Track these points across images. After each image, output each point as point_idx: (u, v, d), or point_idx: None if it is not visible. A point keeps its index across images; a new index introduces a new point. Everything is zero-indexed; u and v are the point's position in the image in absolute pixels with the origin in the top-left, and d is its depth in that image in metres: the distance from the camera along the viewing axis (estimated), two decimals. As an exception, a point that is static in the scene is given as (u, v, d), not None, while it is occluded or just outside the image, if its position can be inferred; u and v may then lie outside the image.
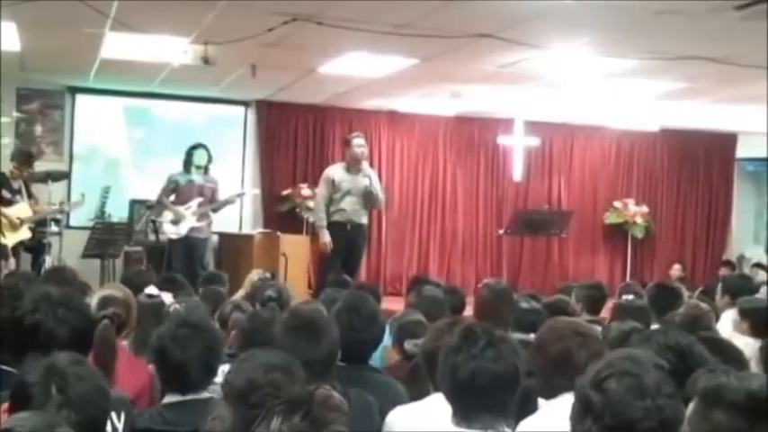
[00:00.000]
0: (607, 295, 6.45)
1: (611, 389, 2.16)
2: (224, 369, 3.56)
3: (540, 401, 3.30)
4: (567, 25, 7.27)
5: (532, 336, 3.99)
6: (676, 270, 13.54)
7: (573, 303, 6.02)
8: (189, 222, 9.50)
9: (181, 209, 9.51)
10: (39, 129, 11.82)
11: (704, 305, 5.54)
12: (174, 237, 9.54)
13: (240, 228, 12.25)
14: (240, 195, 10.79)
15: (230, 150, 12.29)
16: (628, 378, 2.17)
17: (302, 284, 10.29)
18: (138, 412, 3.27)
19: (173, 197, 9.62)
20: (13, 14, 7.38)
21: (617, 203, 13.83)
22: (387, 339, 4.70)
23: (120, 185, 11.80)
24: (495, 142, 13.25)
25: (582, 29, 7.40)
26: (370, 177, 9.27)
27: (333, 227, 9.17)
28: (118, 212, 11.38)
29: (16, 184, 9.62)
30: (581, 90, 10.45)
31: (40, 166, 10.36)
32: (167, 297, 4.79)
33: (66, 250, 10.17)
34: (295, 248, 10.58)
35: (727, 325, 5.75)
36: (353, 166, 9.27)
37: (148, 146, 12.26)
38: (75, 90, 11.90)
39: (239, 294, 6.54)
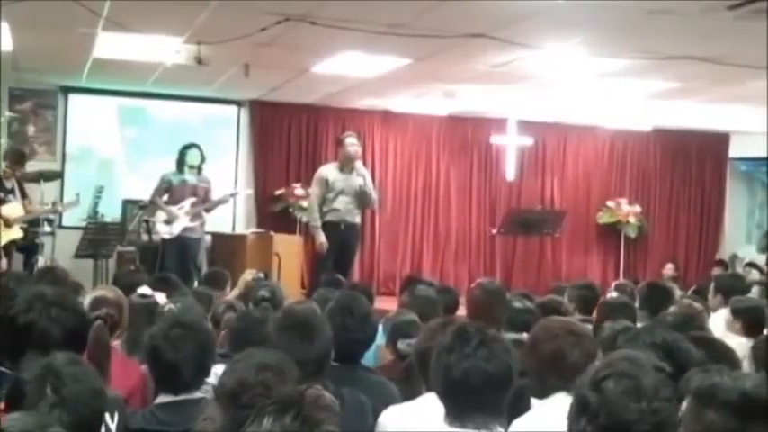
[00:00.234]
0: (599, 295, 6.45)
1: (607, 389, 2.17)
2: (216, 369, 3.56)
3: (533, 401, 3.30)
4: (559, 25, 7.28)
5: (525, 335, 3.99)
6: (669, 269, 13.57)
7: (566, 303, 6.03)
8: (182, 222, 9.48)
9: (174, 209, 9.49)
10: (31, 128, 11.80)
11: (697, 304, 5.55)
12: (167, 237, 9.52)
13: (233, 228, 12.23)
14: (233, 195, 10.78)
15: (223, 150, 12.28)
16: (626, 379, 2.17)
17: (295, 284, 10.28)
18: (131, 412, 3.27)
19: (166, 197, 9.60)
20: (6, 14, 7.36)
21: (610, 203, 13.85)
22: (380, 339, 4.70)
23: (113, 185, 11.78)
24: (488, 142, 13.27)
25: (575, 29, 7.41)
26: (363, 177, 9.26)
27: (326, 226, 9.16)
28: (111, 212, 11.37)
29: (9, 184, 9.59)
30: (574, 90, 10.46)
31: (32, 166, 10.35)
32: (161, 297, 4.78)
33: (59, 250, 10.14)
34: (288, 248, 10.57)
35: (720, 324, 5.76)
36: (347, 166, 9.26)
37: (141, 146, 12.24)
38: (67, 90, 11.88)
39: (233, 294, 6.54)
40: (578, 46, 8.02)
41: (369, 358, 4.56)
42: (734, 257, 13.94)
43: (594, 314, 5.70)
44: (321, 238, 9.13)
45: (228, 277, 7.07)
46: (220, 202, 9.92)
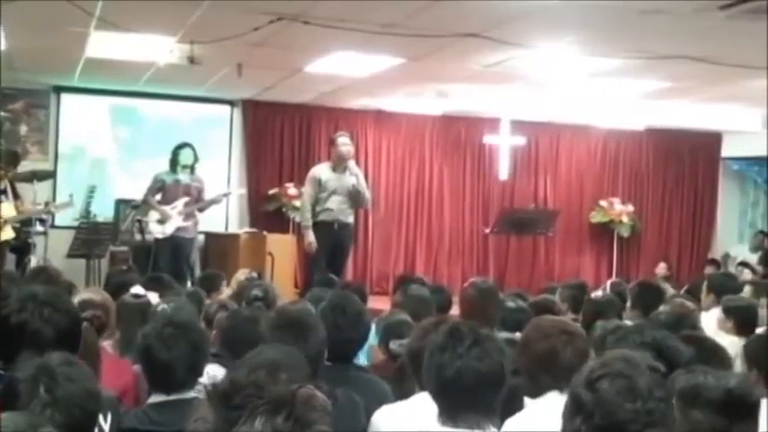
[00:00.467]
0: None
1: (602, 389, 2.16)
2: (209, 369, 3.57)
3: (526, 400, 3.31)
4: (552, 25, 7.29)
5: (518, 334, 3.99)
6: (662, 269, 13.59)
7: (559, 302, 6.04)
8: (175, 222, 9.47)
9: (167, 208, 9.47)
10: (23, 128, 11.78)
11: (689, 303, 5.56)
12: (160, 236, 9.51)
13: (226, 227, 12.22)
14: (226, 195, 10.76)
15: (216, 150, 12.27)
16: (621, 379, 2.17)
17: (289, 284, 10.28)
18: (123, 412, 3.26)
19: (159, 197, 9.59)
20: (-2, 13, 7.36)
21: (603, 202, 13.88)
22: (373, 339, 4.70)
23: (106, 185, 11.77)
24: (481, 141, 13.28)
25: (567, 28, 7.42)
26: (356, 176, 9.26)
27: (319, 226, 9.15)
28: (103, 212, 11.34)
29: (2, 184, 9.57)
30: (567, 89, 10.48)
31: (24, 166, 10.33)
32: (154, 297, 4.78)
33: (52, 250, 10.13)
34: (281, 248, 10.57)
35: (712, 323, 5.77)
36: (339, 165, 9.25)
37: (134, 145, 12.23)
38: (60, 89, 11.86)
39: (226, 294, 6.54)
40: (571, 45, 8.04)
41: (361, 358, 4.57)
42: (726, 257, 13.97)
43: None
44: (310, 237, 9.12)
45: (224, 278, 7.06)
46: (213, 201, 9.91)
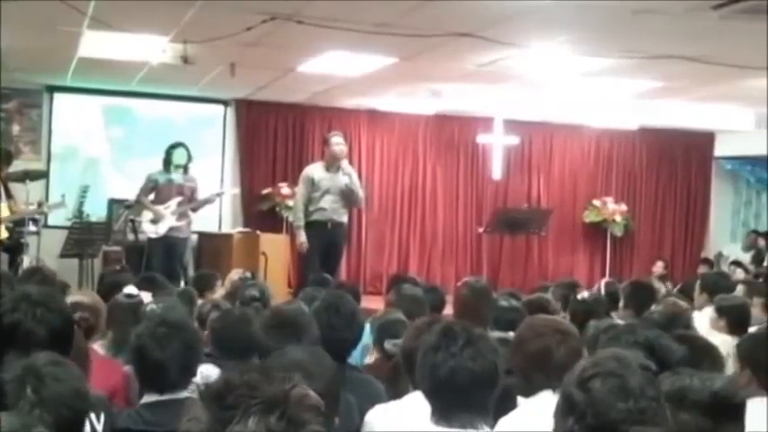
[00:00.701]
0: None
1: (594, 388, 2.16)
2: (202, 369, 3.56)
3: (519, 399, 3.31)
4: (545, 24, 7.29)
5: (511, 334, 4.00)
6: (659, 267, 13.60)
7: (553, 301, 6.04)
8: (168, 222, 9.45)
9: (160, 208, 9.46)
10: (16, 128, 11.75)
11: (682, 303, 5.58)
12: (153, 236, 9.49)
13: (220, 227, 12.22)
14: (219, 195, 10.76)
15: (210, 149, 12.26)
16: (612, 379, 2.17)
17: (282, 283, 10.28)
18: (116, 412, 3.26)
19: (152, 196, 9.57)
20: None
21: (596, 202, 13.89)
22: (367, 338, 4.70)
23: (99, 185, 11.74)
24: (474, 141, 13.28)
25: (561, 28, 7.42)
26: (349, 175, 9.25)
27: (313, 225, 9.15)
28: (96, 212, 11.33)
29: (-6, 185, 9.56)
30: (560, 89, 10.49)
31: (17, 166, 10.29)
32: (147, 297, 4.77)
33: (44, 250, 10.10)
34: (275, 247, 10.57)
35: (705, 322, 5.79)
36: (333, 165, 9.25)
37: (127, 145, 12.21)
38: (52, 89, 11.84)
39: (219, 293, 6.54)
40: (564, 45, 8.04)
41: (355, 358, 4.57)
42: (719, 256, 14.00)
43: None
44: (302, 237, 9.12)
45: (218, 278, 7.06)
46: (207, 201, 9.89)
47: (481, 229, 12.54)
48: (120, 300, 4.65)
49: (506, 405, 3.18)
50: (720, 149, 14.32)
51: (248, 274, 7.16)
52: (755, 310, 6.23)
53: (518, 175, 13.78)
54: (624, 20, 6.94)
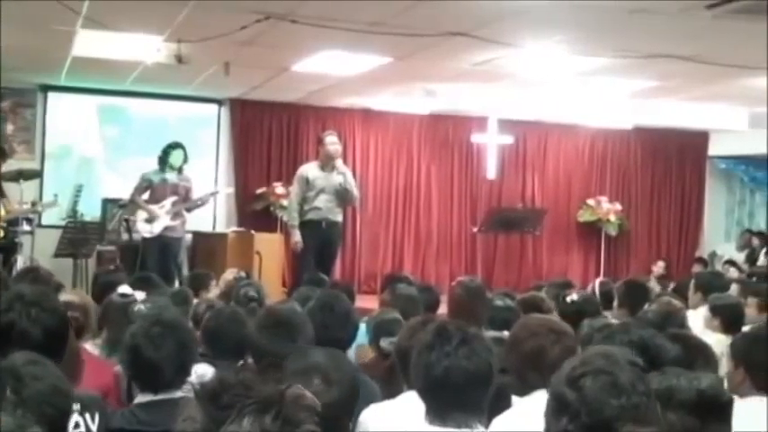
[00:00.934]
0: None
1: (586, 387, 2.15)
2: (197, 368, 3.56)
3: (514, 398, 3.31)
4: (540, 24, 7.30)
5: (506, 333, 4.00)
6: (660, 267, 13.61)
7: (547, 300, 6.04)
8: (163, 221, 9.44)
9: (155, 207, 9.45)
10: (10, 127, 11.73)
11: (676, 302, 5.58)
12: (147, 236, 9.48)
13: (214, 226, 12.21)
14: (214, 194, 10.75)
15: (204, 149, 12.25)
16: (603, 376, 2.17)
17: (276, 283, 10.28)
18: (110, 412, 3.25)
19: (146, 196, 9.56)
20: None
21: (590, 201, 13.90)
22: (362, 338, 4.70)
23: (93, 184, 11.72)
24: (469, 140, 13.28)
25: (555, 27, 7.43)
26: (344, 174, 9.25)
27: (308, 225, 9.15)
28: (90, 211, 11.31)
29: (-12, 184, 9.54)
30: (555, 88, 10.50)
31: (11, 165, 10.29)
32: (141, 297, 4.76)
33: (38, 249, 10.09)
34: (269, 247, 10.57)
35: (699, 322, 5.79)
36: (327, 164, 9.25)
37: (121, 144, 12.19)
38: (46, 88, 11.82)
39: (214, 293, 6.53)
40: (559, 45, 8.05)
41: (349, 357, 4.56)
42: (713, 255, 14.04)
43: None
44: (296, 237, 9.13)
45: (213, 277, 7.05)
46: (201, 201, 9.88)
47: (476, 229, 12.54)
48: (114, 299, 4.64)
49: (501, 404, 3.18)
50: (714, 149, 14.34)
51: (243, 274, 7.15)
52: (750, 310, 6.24)
53: (512, 174, 13.78)
54: (619, 19, 6.95)
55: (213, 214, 12.21)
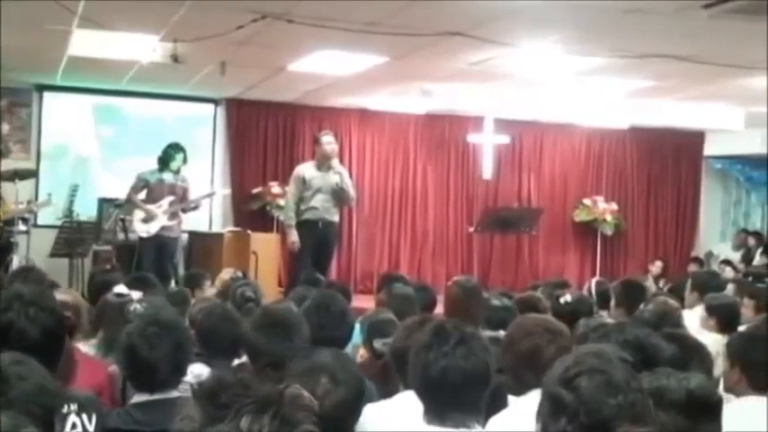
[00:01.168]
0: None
1: (582, 387, 2.15)
2: (193, 368, 3.55)
3: (510, 398, 3.31)
4: (536, 23, 7.30)
5: (502, 333, 4.00)
6: (657, 267, 13.62)
7: (544, 300, 6.05)
8: (160, 221, 9.44)
9: (153, 207, 9.45)
10: (6, 127, 11.71)
11: (672, 302, 5.58)
12: (144, 235, 9.48)
13: (210, 226, 12.20)
14: (210, 196, 10.75)
15: (200, 148, 12.22)
16: (598, 375, 2.16)
17: (273, 283, 10.27)
18: (106, 412, 3.24)
19: (142, 195, 9.55)
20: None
21: (586, 201, 13.91)
22: (357, 338, 4.70)
23: (89, 184, 11.71)
24: (465, 140, 13.28)
25: (552, 27, 7.43)
26: (340, 174, 9.25)
27: (304, 225, 9.15)
28: (86, 211, 11.28)
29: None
30: (551, 88, 10.50)
31: (7, 165, 10.28)
32: (137, 296, 4.75)
33: (34, 249, 10.08)
34: (265, 247, 10.56)
35: (695, 321, 5.80)
36: (324, 164, 9.25)
37: (117, 144, 12.18)
38: (42, 88, 11.80)
39: (210, 293, 6.53)
40: (555, 44, 8.05)
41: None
42: (709, 255, 14.05)
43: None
44: (293, 236, 9.13)
45: (207, 277, 7.05)
46: (197, 204, 9.86)
47: (472, 229, 12.54)
48: (110, 299, 4.63)
49: (497, 404, 3.18)
50: (710, 149, 14.36)
51: (239, 274, 7.15)
52: (746, 310, 6.25)
53: (509, 174, 13.79)
54: (615, 19, 6.96)
55: (209, 214, 12.20)
